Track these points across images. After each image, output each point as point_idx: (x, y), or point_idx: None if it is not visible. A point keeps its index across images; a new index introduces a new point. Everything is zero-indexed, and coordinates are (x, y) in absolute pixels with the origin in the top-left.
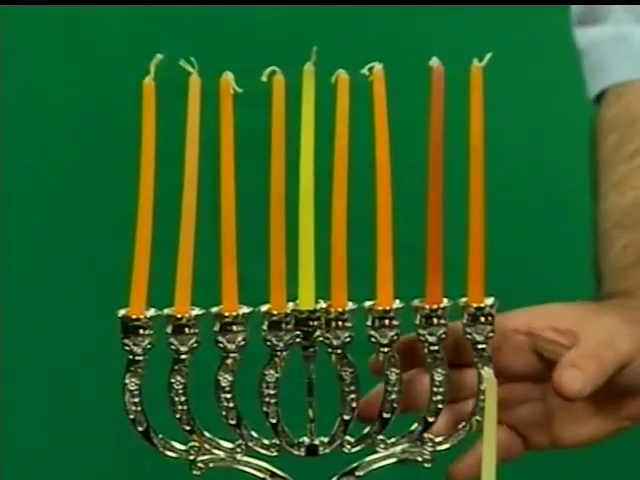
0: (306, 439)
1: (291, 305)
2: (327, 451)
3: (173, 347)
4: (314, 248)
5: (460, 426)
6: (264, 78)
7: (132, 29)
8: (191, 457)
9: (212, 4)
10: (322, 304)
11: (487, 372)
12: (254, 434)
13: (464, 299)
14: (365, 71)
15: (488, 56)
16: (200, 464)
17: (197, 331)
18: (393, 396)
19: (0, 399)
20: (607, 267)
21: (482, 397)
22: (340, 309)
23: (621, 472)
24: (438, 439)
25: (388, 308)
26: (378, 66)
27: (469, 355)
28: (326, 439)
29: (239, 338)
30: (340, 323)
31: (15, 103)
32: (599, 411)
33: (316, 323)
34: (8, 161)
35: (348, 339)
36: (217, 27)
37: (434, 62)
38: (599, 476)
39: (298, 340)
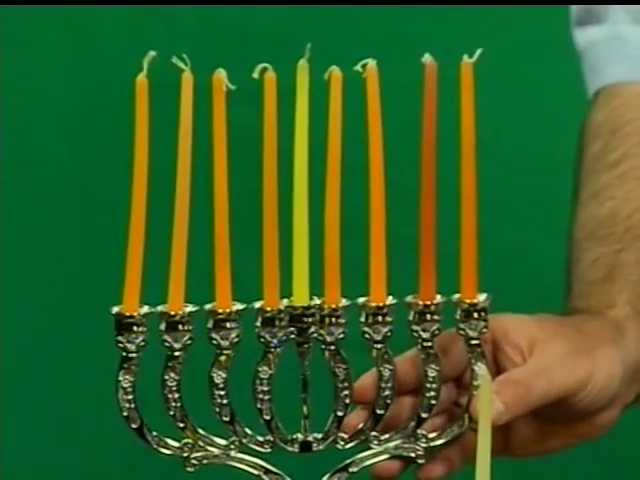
0: (299, 435)
1: (285, 301)
2: (321, 447)
3: (167, 344)
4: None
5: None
6: (255, 75)
7: (130, 28)
8: (185, 454)
9: (210, 4)
10: (316, 300)
11: (481, 368)
12: (248, 431)
13: (457, 295)
14: (358, 68)
15: (478, 52)
16: (194, 461)
17: (191, 328)
18: (386, 392)
19: (9, 399)
20: (576, 278)
21: (475, 393)
22: (333, 305)
23: (615, 471)
24: (431, 435)
25: (381, 304)
26: (371, 63)
27: None
28: (319, 435)
29: (233, 335)
30: (333, 319)
31: (14, 102)
32: (553, 429)
33: (310, 319)
34: (6, 159)
35: (342, 335)
36: (214, 25)
37: (427, 59)
38: (594, 475)
39: (293, 336)
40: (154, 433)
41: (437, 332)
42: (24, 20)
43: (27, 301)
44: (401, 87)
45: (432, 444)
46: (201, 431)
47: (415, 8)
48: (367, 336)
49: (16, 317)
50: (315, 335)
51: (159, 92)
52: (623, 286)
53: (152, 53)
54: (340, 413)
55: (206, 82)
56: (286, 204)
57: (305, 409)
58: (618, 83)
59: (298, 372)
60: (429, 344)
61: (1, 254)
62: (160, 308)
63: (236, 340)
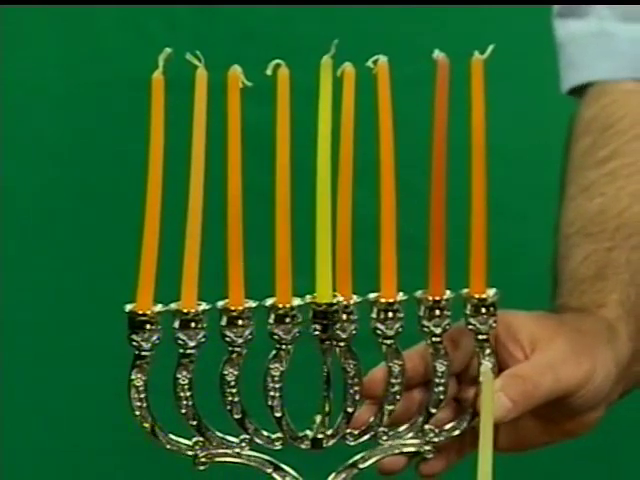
0: (309, 432)
1: (308, 298)
2: (330, 444)
3: (181, 342)
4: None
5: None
6: (269, 72)
7: (131, 27)
8: (197, 452)
9: (210, 4)
10: (339, 297)
11: (485, 365)
12: (258, 428)
13: (467, 290)
14: (370, 64)
15: (490, 48)
16: (203, 459)
17: (205, 326)
18: (396, 388)
19: (4, 396)
20: (566, 274)
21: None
22: (345, 302)
23: (614, 468)
24: (439, 430)
25: (392, 300)
26: (382, 59)
27: None
28: (329, 432)
29: (246, 332)
30: (346, 316)
31: (14, 101)
32: (542, 424)
33: (334, 316)
34: (6, 159)
35: (354, 332)
36: (215, 24)
37: (438, 55)
38: (593, 474)
39: (317, 333)
40: (165, 432)
41: (447, 327)
42: (24, 20)
43: (38, 300)
44: (403, 85)
45: (439, 439)
46: (212, 429)
47: (416, 8)
48: (379, 332)
49: (25, 315)
50: (338, 332)
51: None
52: (615, 286)
53: (168, 50)
54: (350, 409)
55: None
56: (299, 202)
57: (327, 406)
58: (608, 81)
59: (304, 369)
60: (439, 339)
61: (10, 253)
62: (174, 306)
63: (249, 337)
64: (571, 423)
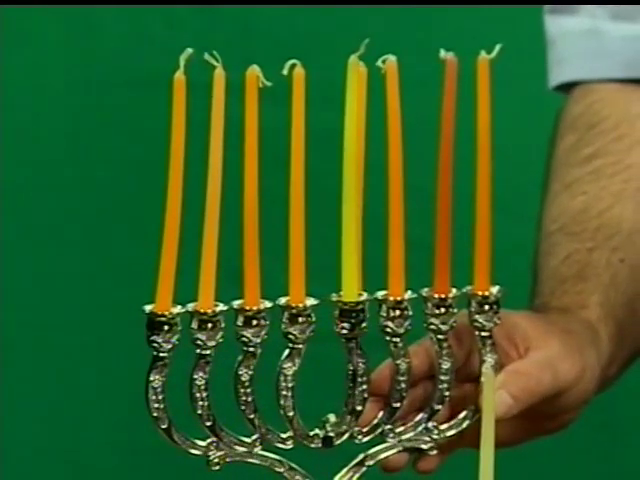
0: (318, 431)
1: (334, 297)
2: (339, 442)
3: (199, 342)
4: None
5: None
6: (285, 72)
7: (132, 27)
8: (211, 453)
9: (210, 4)
10: (365, 296)
11: (486, 364)
12: (270, 428)
13: (471, 287)
14: (379, 63)
15: (497, 48)
16: (217, 459)
17: (223, 326)
18: (402, 385)
19: (10, 397)
20: (547, 272)
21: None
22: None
23: (614, 470)
24: (442, 427)
25: (400, 298)
26: (391, 58)
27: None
28: (338, 430)
29: (263, 332)
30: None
31: (15, 101)
32: (524, 422)
33: (360, 315)
34: (8, 156)
35: (365, 330)
36: (215, 22)
37: (447, 55)
38: (593, 474)
39: (344, 332)
40: (181, 433)
41: (454, 324)
42: (25, 20)
43: (42, 303)
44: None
45: (443, 435)
46: (226, 429)
47: (423, 8)
48: (388, 330)
49: (34, 320)
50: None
51: (155, 89)
52: (595, 287)
53: (189, 50)
54: (359, 407)
55: (208, 79)
56: (312, 202)
57: (351, 405)
58: (595, 79)
59: (307, 369)
60: (444, 337)
61: (13, 257)
62: (192, 307)
63: (265, 337)
64: (552, 422)
